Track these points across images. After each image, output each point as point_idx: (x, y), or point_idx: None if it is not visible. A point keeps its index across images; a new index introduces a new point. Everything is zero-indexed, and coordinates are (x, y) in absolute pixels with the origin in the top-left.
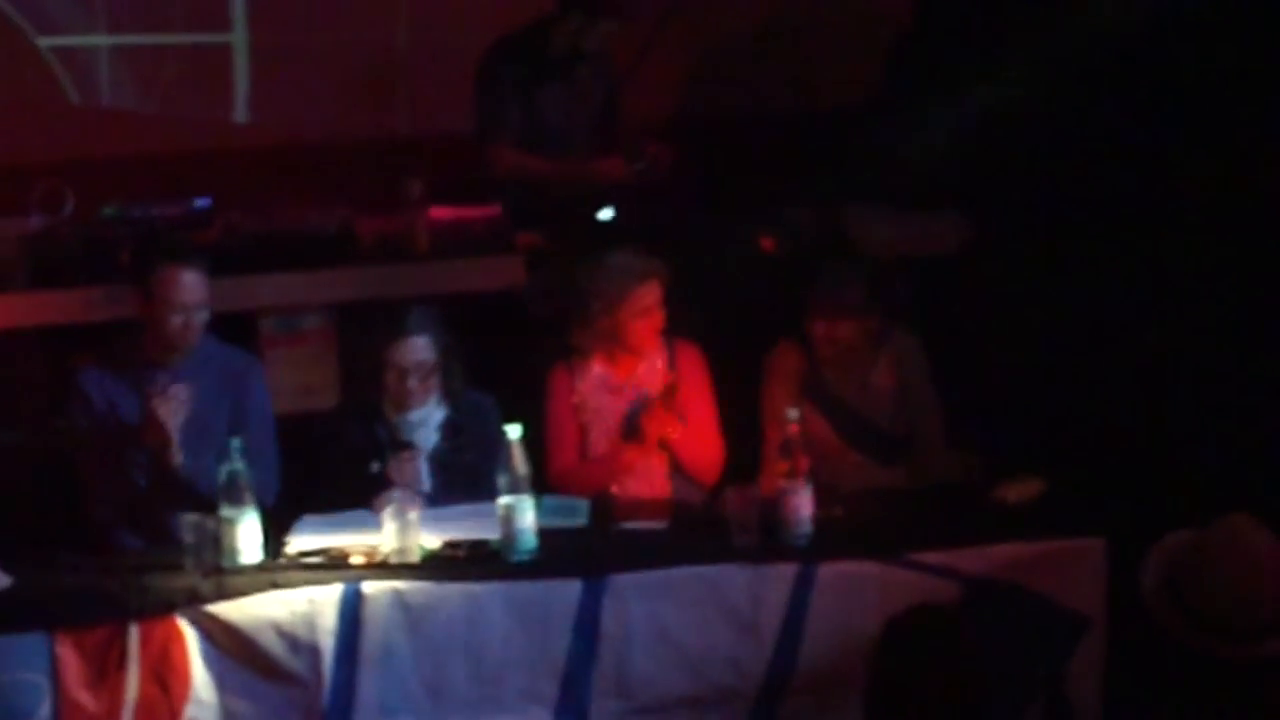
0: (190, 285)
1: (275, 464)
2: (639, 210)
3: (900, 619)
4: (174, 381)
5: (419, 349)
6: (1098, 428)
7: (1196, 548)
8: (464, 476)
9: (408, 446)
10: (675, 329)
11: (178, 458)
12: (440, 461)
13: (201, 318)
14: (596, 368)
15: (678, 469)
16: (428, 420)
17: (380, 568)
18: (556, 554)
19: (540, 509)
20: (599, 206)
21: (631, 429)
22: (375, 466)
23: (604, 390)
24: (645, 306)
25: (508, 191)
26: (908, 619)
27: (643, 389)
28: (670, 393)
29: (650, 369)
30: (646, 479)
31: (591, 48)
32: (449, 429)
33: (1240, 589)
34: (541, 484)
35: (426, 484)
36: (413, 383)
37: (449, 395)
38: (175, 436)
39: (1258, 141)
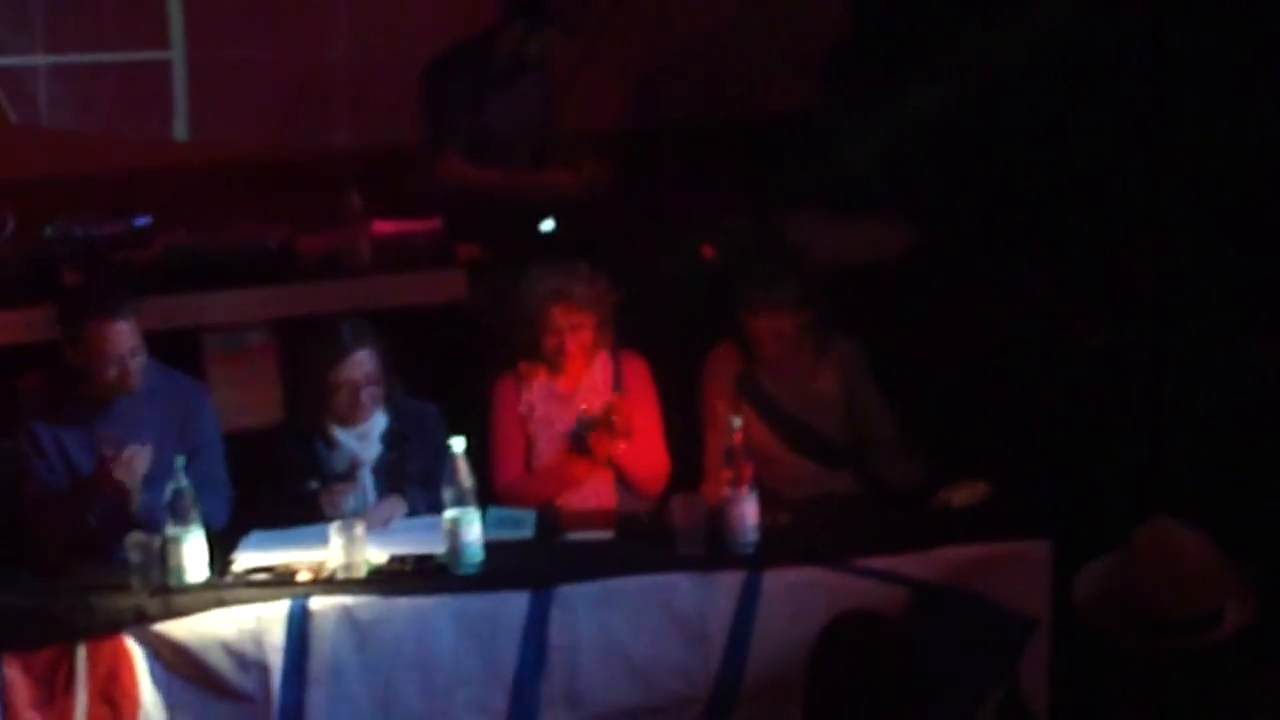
0: (120, 335)
1: (227, 489)
2: (580, 221)
3: (834, 625)
4: (122, 424)
5: (363, 362)
6: (1041, 430)
7: (1124, 554)
8: (410, 485)
9: (344, 478)
10: (620, 339)
11: (135, 503)
12: (386, 471)
13: (138, 363)
14: (543, 377)
15: (623, 479)
16: (370, 432)
17: (327, 583)
18: (503, 566)
19: (486, 521)
20: (540, 218)
21: (577, 443)
22: (313, 485)
23: (551, 400)
24: (561, 325)
25: (448, 204)
26: (842, 625)
27: (589, 400)
28: (612, 412)
29: (596, 380)
30: (592, 490)
31: (534, 56)
32: (392, 437)
33: (1171, 584)
34: (488, 495)
35: (371, 495)
36: (364, 396)
37: (389, 403)
38: (136, 494)
39: (1203, 139)
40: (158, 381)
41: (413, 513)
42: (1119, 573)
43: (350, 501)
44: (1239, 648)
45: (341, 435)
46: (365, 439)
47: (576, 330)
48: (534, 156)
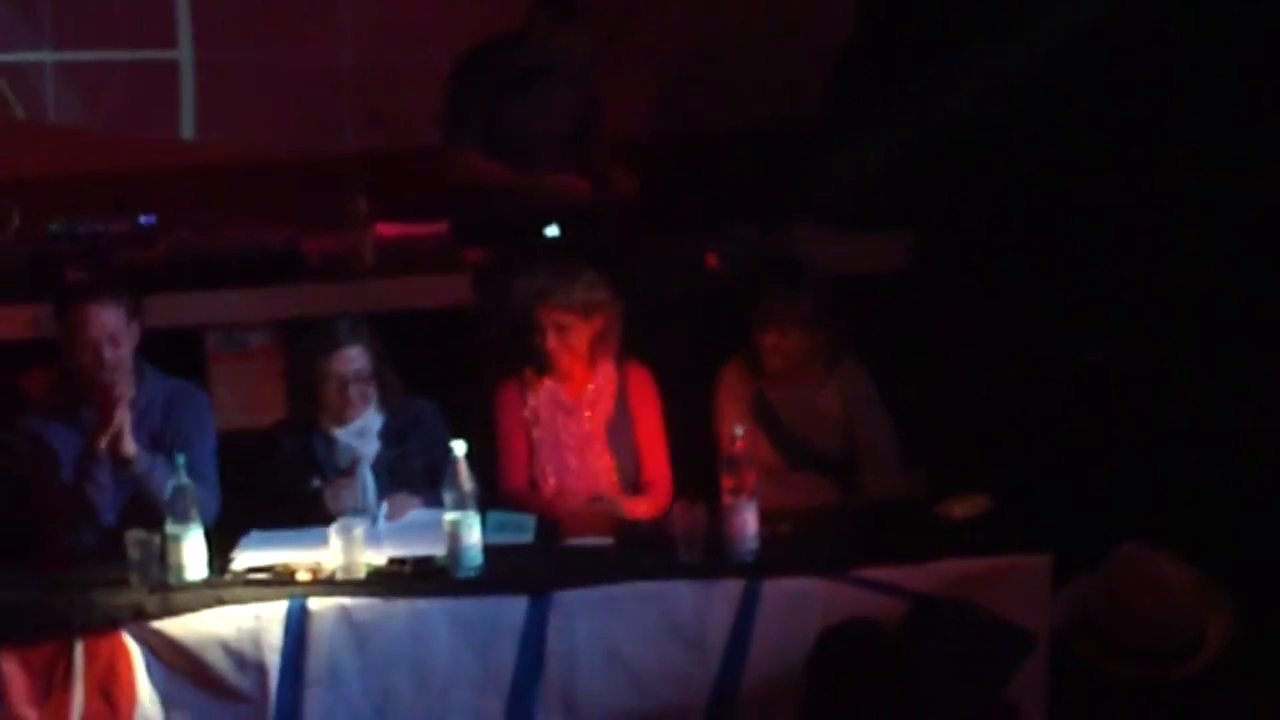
0: (98, 318)
1: (215, 485)
2: (585, 228)
3: (830, 633)
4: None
5: (353, 359)
6: (1043, 445)
7: (1103, 582)
8: (412, 482)
9: (345, 473)
10: (625, 349)
11: (136, 466)
12: (387, 469)
13: (118, 355)
14: (548, 384)
15: (622, 484)
16: (367, 430)
17: (326, 584)
18: (503, 570)
19: (486, 525)
20: (546, 223)
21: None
22: (315, 483)
23: (556, 407)
24: (546, 324)
25: (454, 208)
26: (837, 633)
27: (593, 410)
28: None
29: (601, 390)
30: (593, 485)
31: (556, 56)
32: (390, 435)
33: (1152, 616)
34: (489, 499)
35: (371, 493)
36: (353, 392)
37: (386, 403)
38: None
39: (1203, 155)
40: (154, 393)
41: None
42: (1098, 601)
43: (352, 497)
44: (1224, 666)
45: (338, 433)
46: (363, 436)
47: (563, 331)
48: (557, 160)
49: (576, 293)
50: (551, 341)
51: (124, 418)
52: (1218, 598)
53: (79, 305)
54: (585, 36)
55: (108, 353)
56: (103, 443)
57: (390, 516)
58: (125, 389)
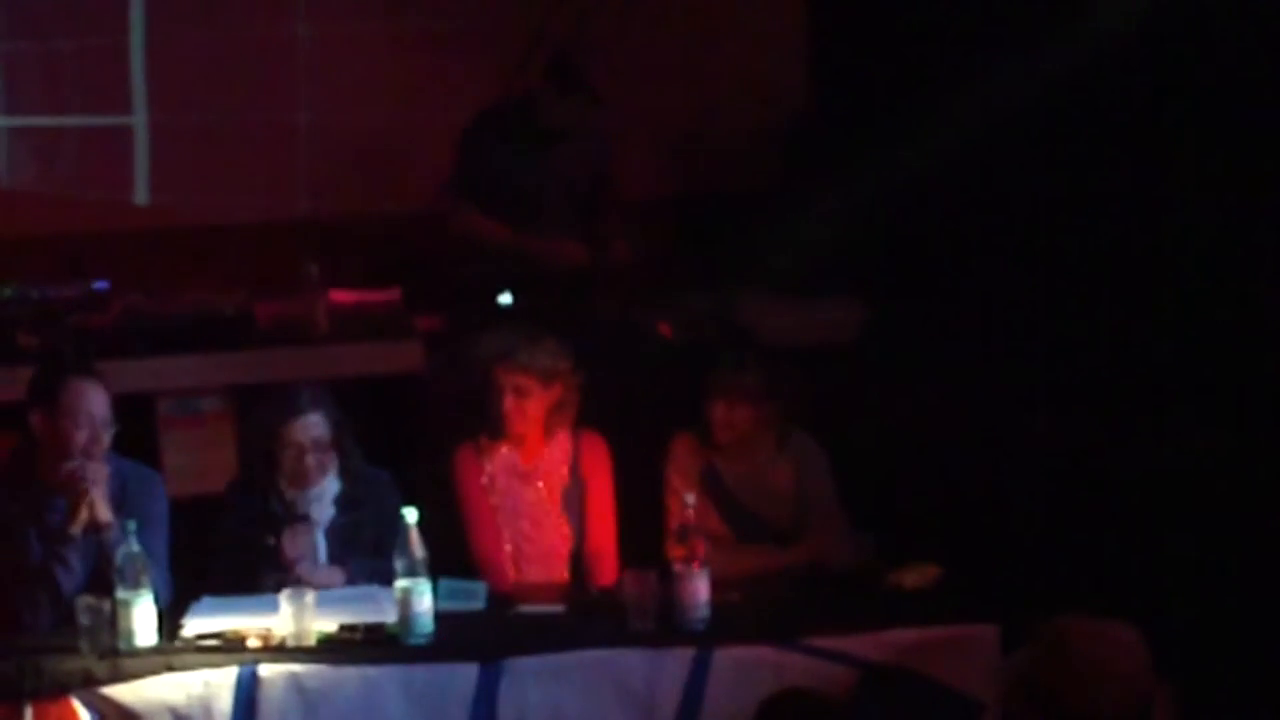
0: (98, 397)
1: (167, 569)
2: (538, 296)
3: (772, 702)
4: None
5: (313, 426)
6: (993, 514)
7: (1051, 649)
8: (362, 551)
9: (303, 519)
10: (581, 417)
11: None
12: (339, 536)
13: (108, 438)
14: (504, 449)
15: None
16: (323, 495)
17: (277, 650)
18: (454, 637)
19: (438, 592)
20: (499, 291)
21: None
22: (270, 540)
23: (512, 475)
24: (504, 385)
25: (407, 275)
26: (779, 702)
27: (547, 479)
28: None
29: (556, 458)
30: (547, 566)
31: (563, 123)
32: (345, 503)
33: (1103, 683)
34: (439, 566)
35: (323, 556)
36: (310, 460)
37: (345, 470)
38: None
39: (1145, 226)
40: (110, 473)
41: (350, 583)
42: (1045, 667)
43: (308, 545)
44: None
45: (293, 496)
46: (319, 502)
47: (520, 395)
48: (565, 225)
49: (539, 358)
50: (508, 403)
51: (99, 492)
52: (1162, 677)
53: (79, 379)
54: (593, 107)
55: (104, 435)
56: (78, 526)
57: (314, 582)
58: (99, 467)
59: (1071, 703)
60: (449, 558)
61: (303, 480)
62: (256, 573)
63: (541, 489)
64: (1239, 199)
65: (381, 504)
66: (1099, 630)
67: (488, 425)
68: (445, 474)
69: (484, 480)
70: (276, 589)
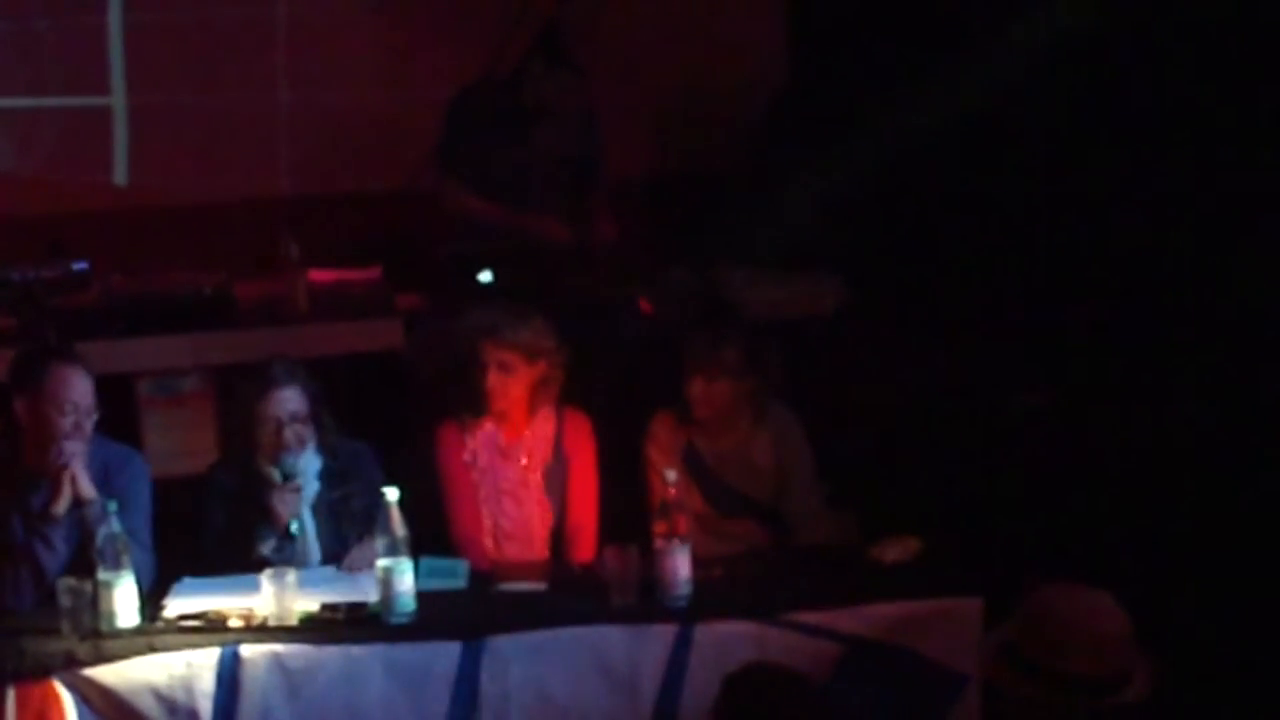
0: (82, 384)
1: (151, 551)
2: (519, 273)
3: (737, 677)
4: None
5: (289, 400)
6: (974, 487)
7: (1034, 615)
8: (353, 523)
9: (288, 478)
10: (564, 394)
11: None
12: (327, 510)
13: (90, 425)
14: (487, 426)
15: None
16: (307, 469)
17: (258, 630)
18: (435, 616)
19: (419, 571)
20: (479, 269)
21: None
22: (260, 506)
23: (494, 451)
24: (488, 361)
25: (387, 252)
26: (744, 677)
27: (530, 456)
28: None
29: (539, 435)
30: (527, 544)
31: (549, 100)
32: (331, 477)
33: (1083, 641)
34: (421, 544)
35: (312, 531)
36: (288, 434)
37: (324, 445)
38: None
39: (1137, 202)
40: (93, 456)
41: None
42: (1023, 633)
43: (296, 502)
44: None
45: (280, 458)
46: (302, 475)
47: (504, 370)
48: (551, 203)
49: (524, 335)
50: (492, 379)
51: (79, 466)
52: (1142, 646)
53: (64, 365)
54: (579, 83)
55: (87, 424)
56: (61, 505)
57: (353, 567)
58: (78, 443)
59: (1050, 665)
60: (431, 536)
61: (281, 454)
62: (252, 539)
63: (524, 466)
64: (1227, 169)
65: (367, 475)
66: (1076, 594)
67: (471, 401)
68: (427, 452)
69: (466, 457)
70: (275, 553)
